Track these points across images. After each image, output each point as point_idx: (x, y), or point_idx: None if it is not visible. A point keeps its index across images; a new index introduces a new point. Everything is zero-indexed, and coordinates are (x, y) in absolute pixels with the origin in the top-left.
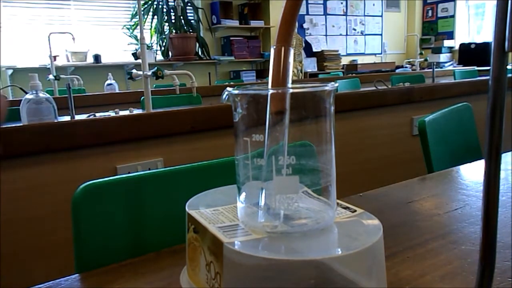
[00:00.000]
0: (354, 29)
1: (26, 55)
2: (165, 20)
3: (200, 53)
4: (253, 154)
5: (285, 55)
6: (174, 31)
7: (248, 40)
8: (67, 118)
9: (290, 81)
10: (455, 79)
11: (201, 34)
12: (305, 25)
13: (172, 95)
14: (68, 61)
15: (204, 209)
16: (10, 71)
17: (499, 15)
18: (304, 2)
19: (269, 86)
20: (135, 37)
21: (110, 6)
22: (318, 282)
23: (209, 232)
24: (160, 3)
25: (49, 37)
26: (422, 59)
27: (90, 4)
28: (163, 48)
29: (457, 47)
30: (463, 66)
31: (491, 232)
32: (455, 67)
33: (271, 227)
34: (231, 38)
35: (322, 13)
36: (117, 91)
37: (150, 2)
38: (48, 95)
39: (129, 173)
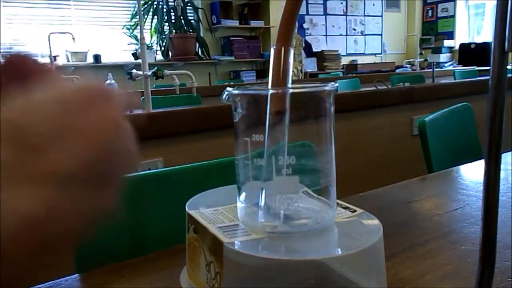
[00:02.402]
0: (354, 29)
1: None
2: (165, 20)
3: (200, 53)
4: (253, 154)
5: (285, 55)
6: (174, 31)
7: (248, 40)
8: None
9: (290, 81)
10: (455, 79)
11: (201, 34)
12: (305, 25)
13: (172, 95)
14: (68, 61)
15: (204, 209)
16: None
17: (499, 15)
18: (304, 2)
19: (269, 86)
20: (135, 37)
21: (110, 6)
22: (318, 282)
23: (209, 232)
24: (160, 3)
25: (49, 37)
26: (422, 59)
27: (90, 4)
28: (163, 48)
29: (457, 47)
30: (463, 66)
31: (491, 232)
32: (455, 67)
33: (271, 227)
34: (231, 38)
35: (322, 13)
36: None
37: (150, 2)
38: None
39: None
